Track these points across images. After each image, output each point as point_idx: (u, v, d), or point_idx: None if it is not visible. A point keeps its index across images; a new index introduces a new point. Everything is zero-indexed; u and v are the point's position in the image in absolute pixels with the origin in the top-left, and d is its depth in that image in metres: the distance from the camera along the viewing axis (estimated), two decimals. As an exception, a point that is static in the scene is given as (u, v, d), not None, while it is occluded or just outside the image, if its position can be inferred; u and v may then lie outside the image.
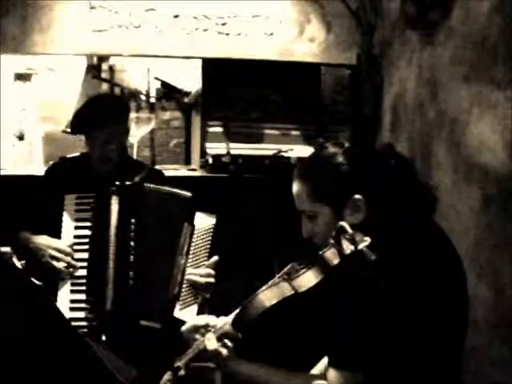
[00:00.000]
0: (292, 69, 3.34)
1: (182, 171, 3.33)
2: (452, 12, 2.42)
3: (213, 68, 3.29)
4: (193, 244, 2.14)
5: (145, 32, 3.09)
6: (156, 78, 3.64)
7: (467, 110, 2.27)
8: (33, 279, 1.29)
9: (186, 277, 2.10)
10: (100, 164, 2.28)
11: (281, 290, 1.34)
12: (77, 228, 2.17)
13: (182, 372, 1.47)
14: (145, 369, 1.95)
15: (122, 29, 3.06)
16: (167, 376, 1.50)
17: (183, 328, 1.54)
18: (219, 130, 3.32)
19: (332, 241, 1.31)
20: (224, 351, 1.45)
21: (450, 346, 1.38)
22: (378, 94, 3.13)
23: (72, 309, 2.08)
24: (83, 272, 2.13)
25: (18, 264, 2.14)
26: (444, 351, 1.35)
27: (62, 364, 1.22)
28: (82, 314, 2.07)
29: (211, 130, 3.31)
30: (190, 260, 2.13)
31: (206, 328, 1.50)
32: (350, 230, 1.28)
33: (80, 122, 2.26)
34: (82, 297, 2.09)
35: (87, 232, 2.16)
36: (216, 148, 3.23)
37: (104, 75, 3.62)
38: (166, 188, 2.19)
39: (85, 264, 2.13)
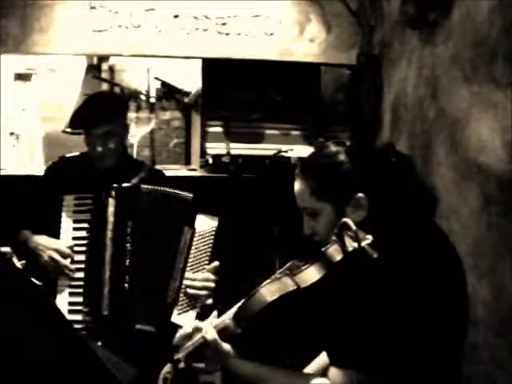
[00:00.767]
0: (292, 69, 3.34)
1: (181, 171, 3.33)
2: (452, 12, 2.42)
3: (213, 68, 3.29)
4: (194, 247, 2.11)
5: (145, 32, 3.09)
6: (156, 78, 3.65)
7: (467, 110, 2.27)
8: (33, 279, 1.29)
9: (184, 282, 2.08)
10: (100, 161, 2.26)
11: (283, 285, 1.33)
12: (75, 229, 2.15)
13: (181, 365, 1.44)
14: (142, 370, 1.95)
15: (122, 29, 3.06)
16: (167, 368, 1.48)
17: (174, 341, 1.52)
18: (219, 129, 3.32)
19: (335, 237, 1.31)
20: (224, 345, 1.42)
21: (450, 347, 1.38)
22: (378, 94, 3.13)
23: (70, 311, 2.06)
24: (81, 274, 2.11)
25: (18, 264, 2.13)
26: (444, 351, 1.35)
27: (62, 364, 1.22)
28: (79, 317, 2.05)
29: (211, 129, 3.32)
30: (190, 264, 2.10)
31: (199, 331, 1.46)
32: (353, 227, 1.28)
33: (79, 120, 2.25)
34: (80, 299, 2.08)
35: (85, 234, 2.14)
36: (216, 148, 3.23)
37: (104, 75, 3.63)
38: (165, 189, 2.16)
39: (82, 266, 2.12)
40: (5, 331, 1.18)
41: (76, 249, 2.13)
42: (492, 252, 2.09)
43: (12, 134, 3.39)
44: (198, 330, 1.44)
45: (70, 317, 2.03)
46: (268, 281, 1.36)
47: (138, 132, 3.17)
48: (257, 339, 1.49)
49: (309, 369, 1.66)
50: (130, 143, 3.26)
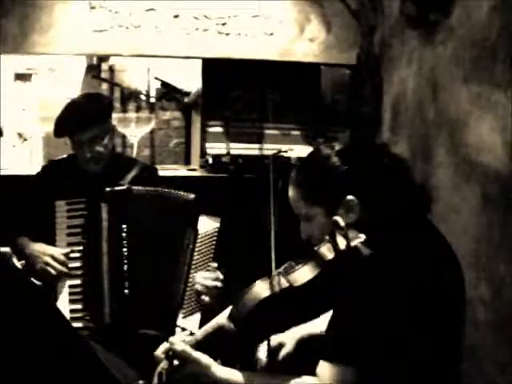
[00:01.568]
0: (292, 69, 3.34)
1: (181, 171, 3.33)
2: (452, 12, 2.42)
3: (213, 68, 3.29)
4: (196, 249, 2.08)
5: (145, 32, 3.08)
6: (156, 78, 3.64)
7: (467, 110, 2.27)
8: (33, 279, 1.29)
9: (195, 280, 2.05)
10: (89, 166, 2.24)
11: (275, 283, 1.34)
12: (69, 235, 2.12)
13: (164, 378, 1.42)
14: (145, 373, 1.94)
15: (122, 29, 3.06)
16: (162, 364, 1.46)
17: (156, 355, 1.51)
18: (219, 129, 3.32)
19: (327, 237, 1.32)
20: (197, 354, 1.38)
21: (447, 346, 1.38)
22: (377, 93, 3.13)
23: (72, 318, 2.03)
24: (79, 281, 2.08)
25: (18, 264, 2.13)
26: (441, 351, 1.35)
27: (62, 364, 1.22)
28: (81, 324, 2.03)
29: (211, 130, 3.31)
30: (193, 266, 2.08)
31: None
32: (342, 224, 1.29)
33: (62, 128, 2.21)
34: (80, 306, 2.05)
35: (80, 239, 2.11)
36: (216, 148, 3.23)
37: (104, 75, 3.63)
38: (164, 190, 2.14)
39: (80, 272, 2.09)
40: (5, 331, 1.18)
41: (72, 255, 2.10)
42: (492, 252, 2.09)
43: (12, 133, 3.38)
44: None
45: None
46: (261, 279, 1.37)
47: (138, 132, 3.17)
48: (250, 338, 1.47)
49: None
50: (130, 143, 3.25)
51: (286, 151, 3.24)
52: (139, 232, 2.07)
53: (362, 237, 1.26)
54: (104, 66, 3.63)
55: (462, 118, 2.32)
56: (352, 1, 3.19)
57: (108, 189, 2.09)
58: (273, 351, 1.69)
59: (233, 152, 3.19)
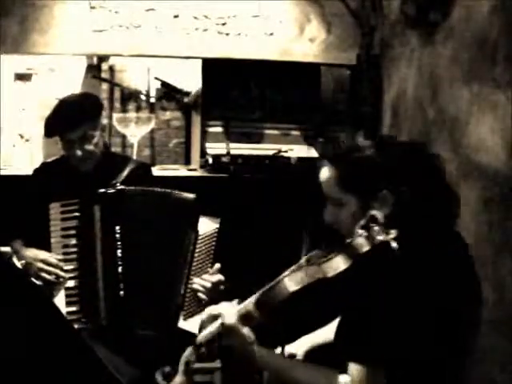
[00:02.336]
0: (292, 69, 3.34)
1: (181, 171, 3.32)
2: (452, 12, 2.42)
3: (213, 68, 3.29)
4: (197, 250, 2.06)
5: (145, 32, 3.08)
6: (156, 78, 3.64)
7: (467, 110, 2.27)
8: (33, 279, 1.29)
9: (196, 282, 2.04)
10: (80, 165, 2.23)
11: (309, 274, 1.31)
12: (64, 237, 2.10)
13: (203, 350, 1.41)
14: (143, 372, 1.94)
15: (122, 29, 3.06)
16: (188, 352, 1.44)
17: (202, 317, 1.49)
18: (219, 129, 3.31)
19: (360, 229, 1.29)
20: (244, 330, 1.38)
21: (460, 348, 1.39)
22: (377, 93, 3.13)
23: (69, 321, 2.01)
24: (74, 283, 2.07)
25: (18, 264, 2.13)
26: (455, 353, 1.36)
27: (62, 364, 1.22)
28: (77, 326, 2.00)
29: (211, 129, 3.31)
30: (193, 267, 2.06)
31: (218, 317, 1.42)
32: (381, 220, 1.27)
33: (51, 127, 2.21)
34: (76, 308, 2.04)
35: (75, 241, 2.09)
36: (216, 148, 3.23)
37: (104, 75, 3.63)
38: (157, 189, 2.12)
39: (75, 274, 2.08)
40: (5, 331, 1.18)
41: (67, 257, 2.09)
42: (492, 251, 2.09)
43: (12, 133, 3.38)
44: (216, 316, 1.42)
45: None
46: (292, 268, 1.34)
47: (137, 132, 3.16)
48: (276, 328, 1.46)
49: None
50: (130, 143, 3.26)
51: (286, 151, 3.24)
52: (134, 232, 2.06)
53: (394, 233, 1.26)
54: (104, 66, 3.63)
55: (462, 117, 2.32)
56: (352, 1, 3.19)
57: (101, 190, 2.07)
58: None
59: (233, 152, 3.18)
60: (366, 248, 1.28)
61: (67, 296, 2.06)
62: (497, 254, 2.07)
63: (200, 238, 2.08)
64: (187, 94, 3.61)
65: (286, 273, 1.34)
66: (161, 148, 3.75)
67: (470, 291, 1.41)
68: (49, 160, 2.44)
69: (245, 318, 1.38)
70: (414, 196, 1.39)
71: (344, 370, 1.32)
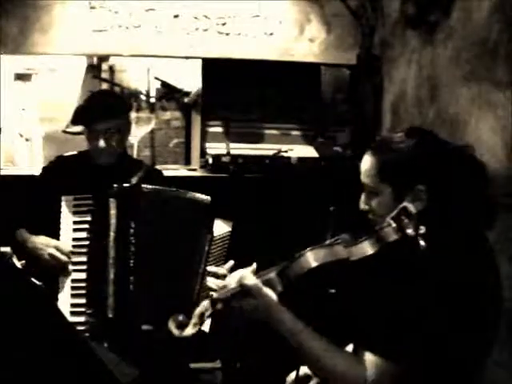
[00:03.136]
0: (292, 69, 3.34)
1: (181, 171, 3.32)
2: (452, 12, 2.42)
3: (213, 68, 3.29)
4: (210, 252, 2.08)
5: (145, 32, 3.09)
6: (156, 78, 3.64)
7: (467, 110, 2.27)
8: (33, 279, 1.29)
9: (209, 279, 2.05)
10: (100, 157, 2.25)
11: (333, 253, 1.32)
12: (75, 230, 2.12)
13: (219, 306, 1.41)
14: (147, 370, 1.94)
15: (122, 29, 3.06)
16: (204, 305, 1.44)
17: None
18: (219, 129, 3.32)
19: (391, 220, 1.30)
20: (267, 290, 1.37)
21: (482, 348, 1.40)
22: (377, 93, 3.13)
23: (73, 313, 2.03)
24: (83, 275, 2.08)
25: (18, 264, 2.13)
26: (474, 353, 1.37)
27: (63, 364, 1.22)
28: (82, 319, 2.02)
29: (211, 129, 3.31)
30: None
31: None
32: (414, 212, 1.28)
33: (81, 116, 2.25)
34: (83, 301, 2.05)
35: (86, 234, 2.11)
36: (216, 148, 3.23)
37: (104, 75, 3.62)
38: (173, 190, 2.14)
39: (84, 267, 2.09)
40: (5, 331, 1.18)
41: (77, 250, 2.10)
42: (492, 252, 2.09)
43: (13, 133, 3.38)
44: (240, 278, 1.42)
45: (72, 318, 2.01)
46: (319, 245, 1.35)
47: (138, 132, 3.16)
48: (292, 303, 1.45)
49: None
50: (130, 143, 3.25)
51: (286, 151, 3.24)
52: (148, 230, 2.07)
53: (423, 229, 1.26)
54: (104, 66, 3.63)
55: (462, 118, 2.32)
56: (352, 1, 3.19)
57: (116, 185, 2.09)
58: (300, 380, 1.69)
59: (233, 152, 3.19)
60: (393, 238, 1.28)
61: (73, 288, 2.07)
62: (497, 254, 2.07)
63: (214, 240, 2.10)
64: (187, 93, 3.60)
65: (311, 248, 1.34)
66: (161, 148, 3.75)
67: (492, 298, 1.41)
68: (66, 154, 2.45)
69: (266, 284, 1.38)
70: (449, 198, 1.40)
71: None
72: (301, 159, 3.20)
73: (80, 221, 2.13)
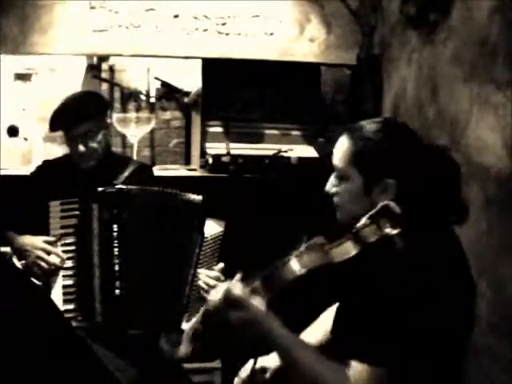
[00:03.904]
0: (292, 69, 3.34)
1: (181, 171, 3.32)
2: (452, 12, 2.42)
3: (213, 68, 3.29)
4: (202, 253, 2.06)
5: (145, 32, 3.09)
6: (156, 78, 3.65)
7: (467, 110, 2.27)
8: (33, 279, 1.29)
9: (201, 279, 2.03)
10: (82, 161, 2.23)
11: (316, 258, 1.30)
12: (63, 235, 2.11)
13: (210, 320, 1.38)
14: (142, 372, 1.93)
15: (122, 29, 3.06)
16: (196, 320, 1.42)
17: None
18: (219, 129, 3.31)
19: (370, 219, 1.28)
20: (256, 301, 1.33)
21: (455, 350, 1.38)
22: (377, 93, 3.13)
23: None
24: (71, 281, 2.07)
25: (18, 264, 2.13)
26: (455, 352, 1.36)
27: (62, 364, 1.22)
28: (73, 324, 2.00)
29: (211, 129, 3.31)
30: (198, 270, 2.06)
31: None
32: (398, 211, 1.26)
33: (57, 121, 2.22)
34: (73, 306, 2.04)
35: (73, 239, 2.10)
36: (216, 148, 3.23)
37: (104, 75, 3.63)
38: (161, 190, 2.12)
39: (72, 272, 2.08)
40: (4, 331, 1.18)
41: (65, 255, 2.09)
42: (492, 252, 2.09)
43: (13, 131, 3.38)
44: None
45: None
46: (300, 251, 1.33)
47: (137, 132, 3.16)
48: (279, 309, 1.44)
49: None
50: (130, 143, 3.26)
51: (286, 151, 3.24)
52: (133, 232, 2.06)
53: (397, 230, 1.25)
54: (104, 66, 3.63)
55: (461, 118, 2.32)
56: (352, 1, 3.19)
57: (99, 189, 2.07)
58: (255, 372, 1.68)
59: (233, 152, 3.18)
60: (372, 239, 1.27)
61: (64, 294, 2.06)
62: (496, 254, 2.07)
63: (206, 240, 2.09)
64: (187, 93, 3.61)
65: (294, 254, 1.33)
66: (161, 148, 3.76)
67: (466, 293, 1.40)
68: (51, 158, 2.44)
69: (251, 293, 1.35)
70: (418, 193, 1.39)
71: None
72: (301, 159, 3.20)
73: (67, 225, 2.11)
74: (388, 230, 1.25)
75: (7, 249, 2.20)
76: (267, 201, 3.07)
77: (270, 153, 3.24)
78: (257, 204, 3.08)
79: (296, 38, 3.23)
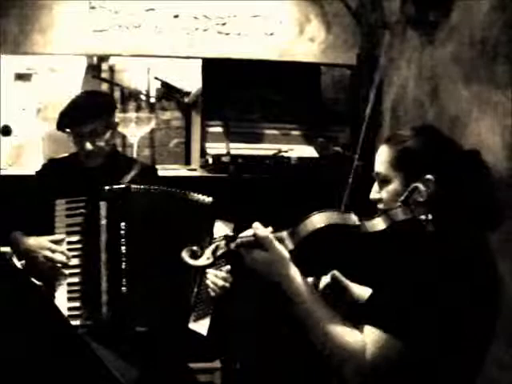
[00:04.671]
0: (292, 69, 3.34)
1: (181, 171, 3.33)
2: (452, 12, 2.42)
3: (213, 68, 3.29)
4: None
5: (145, 32, 3.09)
6: (156, 78, 3.65)
7: (467, 110, 2.27)
8: (33, 279, 1.29)
9: (209, 278, 2.03)
10: (88, 160, 2.25)
11: (344, 217, 1.35)
12: (69, 233, 2.12)
13: (233, 245, 1.39)
14: (144, 371, 1.93)
15: (122, 29, 3.06)
16: (219, 239, 1.42)
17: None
18: (219, 129, 3.32)
19: (402, 202, 1.35)
20: (279, 246, 1.36)
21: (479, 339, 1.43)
22: (378, 94, 3.13)
23: (69, 316, 2.01)
24: (77, 279, 2.08)
25: (18, 264, 2.13)
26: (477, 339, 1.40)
27: (62, 364, 1.22)
28: (78, 322, 2.02)
29: (211, 129, 3.31)
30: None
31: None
32: (424, 192, 1.34)
33: (65, 120, 2.23)
34: (78, 304, 2.05)
35: (79, 238, 2.11)
36: (216, 148, 3.23)
37: (104, 75, 3.63)
38: (169, 189, 2.12)
39: (78, 270, 2.08)
40: (4, 331, 1.18)
41: (71, 253, 2.10)
42: (492, 252, 2.09)
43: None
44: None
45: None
46: (330, 209, 1.37)
47: (137, 132, 3.17)
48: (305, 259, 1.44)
49: None
50: (130, 143, 3.26)
51: (286, 151, 3.24)
52: (140, 230, 2.06)
53: (430, 216, 1.30)
54: (104, 66, 3.64)
55: (461, 118, 2.32)
56: (352, 1, 3.19)
57: (107, 187, 2.08)
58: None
59: (233, 152, 3.18)
60: (401, 217, 1.32)
61: (69, 292, 2.07)
62: (496, 254, 2.07)
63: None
64: (187, 93, 3.61)
65: (323, 210, 1.36)
66: (161, 148, 3.76)
67: (489, 291, 1.44)
68: (57, 157, 2.45)
69: (277, 241, 1.38)
70: (455, 192, 1.45)
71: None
72: (301, 159, 3.20)
73: (73, 223, 2.12)
74: (417, 213, 1.31)
75: (7, 249, 2.20)
76: (267, 201, 3.07)
77: (270, 153, 3.24)
78: (257, 204, 3.08)
79: (296, 38, 3.23)
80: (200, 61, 3.29)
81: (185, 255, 1.42)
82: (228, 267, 2.07)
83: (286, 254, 1.36)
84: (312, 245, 1.35)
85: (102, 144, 2.22)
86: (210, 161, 3.14)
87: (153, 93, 3.71)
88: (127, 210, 2.07)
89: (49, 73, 3.53)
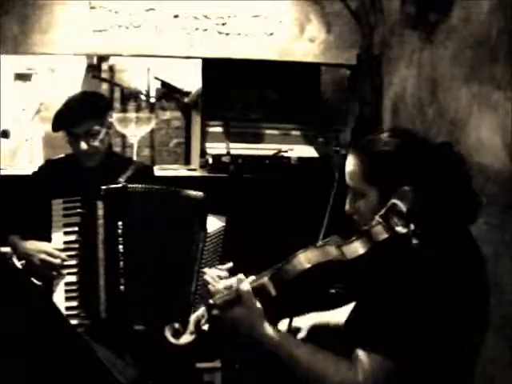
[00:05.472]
0: (292, 69, 3.34)
1: (181, 171, 3.33)
2: (452, 12, 2.42)
3: (213, 68, 3.29)
4: (205, 249, 2.08)
5: (145, 32, 3.09)
6: (156, 78, 3.65)
7: (467, 110, 2.27)
8: (33, 279, 1.29)
9: (208, 273, 2.00)
10: (84, 160, 2.25)
11: (325, 253, 1.32)
12: (66, 233, 2.13)
13: (215, 311, 1.38)
14: (142, 371, 1.93)
15: (122, 29, 3.06)
16: (200, 312, 1.42)
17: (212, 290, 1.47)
18: (219, 129, 3.31)
19: (379, 218, 1.30)
20: (256, 302, 1.36)
21: (471, 347, 1.39)
22: (377, 93, 3.13)
23: (67, 316, 2.02)
24: (75, 278, 2.09)
25: (18, 264, 2.13)
26: (467, 351, 1.37)
27: (62, 364, 1.22)
28: (76, 321, 2.03)
29: (211, 129, 3.31)
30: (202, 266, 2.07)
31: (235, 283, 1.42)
32: (403, 209, 1.28)
33: (58, 121, 2.24)
34: (76, 303, 2.06)
35: (76, 237, 2.12)
36: (216, 148, 3.23)
37: (104, 75, 3.63)
38: (164, 188, 2.13)
39: (75, 270, 2.10)
40: (5, 331, 1.18)
41: (68, 253, 2.11)
42: (491, 252, 2.09)
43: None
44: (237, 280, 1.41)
45: None
46: (310, 247, 1.34)
47: (137, 132, 3.17)
48: (288, 303, 1.45)
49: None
50: (130, 143, 3.26)
51: (286, 151, 3.24)
52: (137, 229, 2.07)
53: (411, 227, 1.27)
54: (104, 66, 3.64)
55: (462, 118, 2.32)
56: (352, 1, 3.19)
57: (104, 187, 2.09)
58: (290, 331, 1.67)
59: (233, 152, 3.18)
60: (383, 236, 1.29)
61: (67, 291, 2.08)
62: (495, 254, 2.07)
63: (208, 236, 2.10)
64: (187, 93, 3.61)
65: (302, 250, 1.34)
66: (161, 148, 3.76)
67: (481, 294, 1.41)
68: (54, 157, 2.45)
69: (258, 290, 1.37)
70: (434, 196, 1.40)
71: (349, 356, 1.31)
72: (301, 159, 3.20)
73: (70, 223, 2.13)
74: (399, 229, 1.27)
75: (7, 249, 2.20)
76: (267, 201, 3.07)
77: (270, 153, 3.24)
78: (257, 204, 3.08)
79: (296, 38, 3.23)
80: (200, 61, 3.29)
81: (167, 334, 1.43)
82: (230, 265, 2.08)
83: (260, 310, 1.35)
84: (295, 288, 1.33)
85: (97, 144, 2.22)
86: (210, 161, 3.14)
87: (153, 93, 3.71)
88: (124, 209, 2.09)
89: (49, 73, 3.53)
